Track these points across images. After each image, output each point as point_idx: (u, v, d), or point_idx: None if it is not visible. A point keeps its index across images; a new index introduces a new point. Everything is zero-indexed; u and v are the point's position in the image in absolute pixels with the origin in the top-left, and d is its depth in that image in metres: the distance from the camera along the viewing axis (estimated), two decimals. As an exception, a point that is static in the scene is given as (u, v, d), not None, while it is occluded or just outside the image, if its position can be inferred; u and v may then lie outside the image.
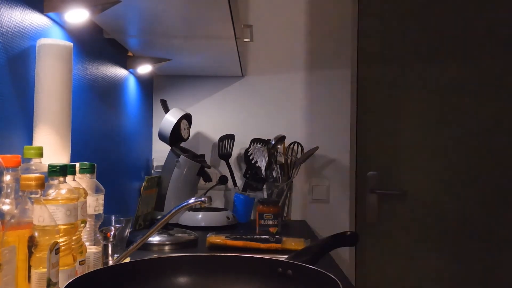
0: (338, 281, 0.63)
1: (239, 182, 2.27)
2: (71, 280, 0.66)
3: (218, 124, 2.32)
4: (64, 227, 0.76)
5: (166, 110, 2.03)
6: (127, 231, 1.19)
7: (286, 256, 1.04)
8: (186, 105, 2.29)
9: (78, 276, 0.70)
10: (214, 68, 2.18)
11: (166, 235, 1.60)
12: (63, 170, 0.78)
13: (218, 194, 2.30)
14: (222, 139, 2.21)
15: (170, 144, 2.02)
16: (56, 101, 1.04)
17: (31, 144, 1.02)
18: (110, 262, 1.08)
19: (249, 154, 2.16)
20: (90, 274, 0.72)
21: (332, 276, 0.65)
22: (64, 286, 0.64)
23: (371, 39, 2.36)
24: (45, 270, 0.68)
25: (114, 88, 1.72)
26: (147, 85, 2.23)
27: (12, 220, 0.70)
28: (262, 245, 1.49)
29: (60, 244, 0.72)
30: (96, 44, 1.52)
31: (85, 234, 0.95)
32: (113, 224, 1.16)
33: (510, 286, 2.28)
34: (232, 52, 1.76)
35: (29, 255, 0.70)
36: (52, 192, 0.76)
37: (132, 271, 0.76)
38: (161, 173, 2.01)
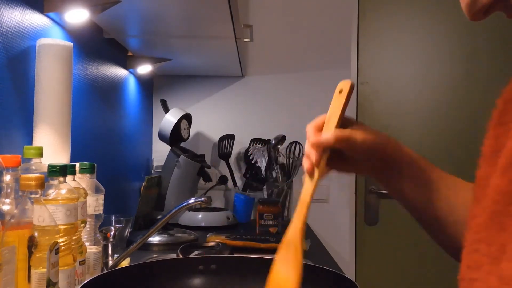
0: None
1: (239, 182, 2.27)
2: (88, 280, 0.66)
3: (218, 124, 2.31)
4: (64, 227, 0.76)
5: (166, 110, 2.03)
6: (127, 231, 1.19)
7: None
8: (186, 105, 2.29)
9: (94, 276, 0.70)
10: (214, 68, 2.17)
11: (166, 235, 1.60)
12: (63, 170, 0.77)
13: (218, 194, 2.30)
14: (222, 139, 2.21)
15: (170, 144, 2.02)
16: (56, 101, 1.04)
17: (31, 144, 1.02)
18: (110, 262, 1.08)
19: (249, 154, 2.16)
20: (104, 276, 0.72)
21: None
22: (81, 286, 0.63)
23: (371, 39, 2.36)
24: (45, 270, 0.68)
25: (114, 88, 1.71)
26: (147, 85, 2.23)
27: (12, 220, 0.70)
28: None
29: (60, 244, 0.72)
30: (96, 44, 1.52)
31: (85, 234, 0.95)
32: (113, 224, 1.16)
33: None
34: (232, 52, 1.76)
35: (29, 255, 0.70)
36: (52, 192, 0.76)
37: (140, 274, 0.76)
38: (161, 173, 2.01)
